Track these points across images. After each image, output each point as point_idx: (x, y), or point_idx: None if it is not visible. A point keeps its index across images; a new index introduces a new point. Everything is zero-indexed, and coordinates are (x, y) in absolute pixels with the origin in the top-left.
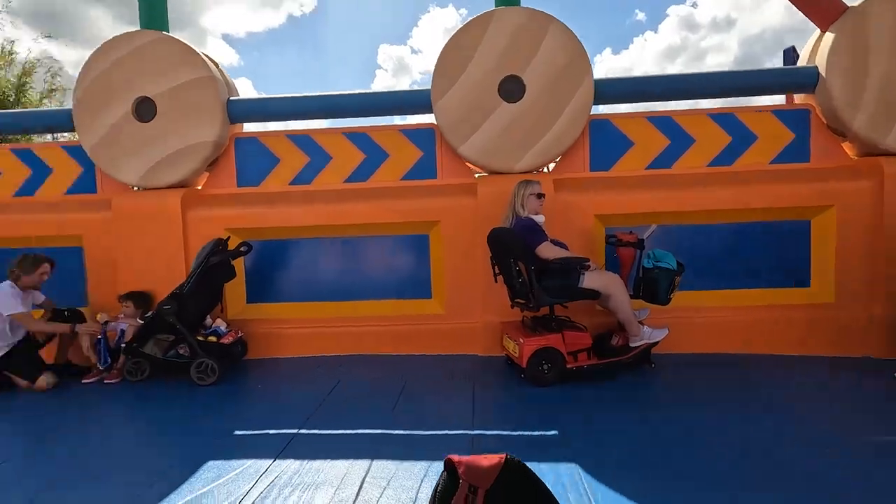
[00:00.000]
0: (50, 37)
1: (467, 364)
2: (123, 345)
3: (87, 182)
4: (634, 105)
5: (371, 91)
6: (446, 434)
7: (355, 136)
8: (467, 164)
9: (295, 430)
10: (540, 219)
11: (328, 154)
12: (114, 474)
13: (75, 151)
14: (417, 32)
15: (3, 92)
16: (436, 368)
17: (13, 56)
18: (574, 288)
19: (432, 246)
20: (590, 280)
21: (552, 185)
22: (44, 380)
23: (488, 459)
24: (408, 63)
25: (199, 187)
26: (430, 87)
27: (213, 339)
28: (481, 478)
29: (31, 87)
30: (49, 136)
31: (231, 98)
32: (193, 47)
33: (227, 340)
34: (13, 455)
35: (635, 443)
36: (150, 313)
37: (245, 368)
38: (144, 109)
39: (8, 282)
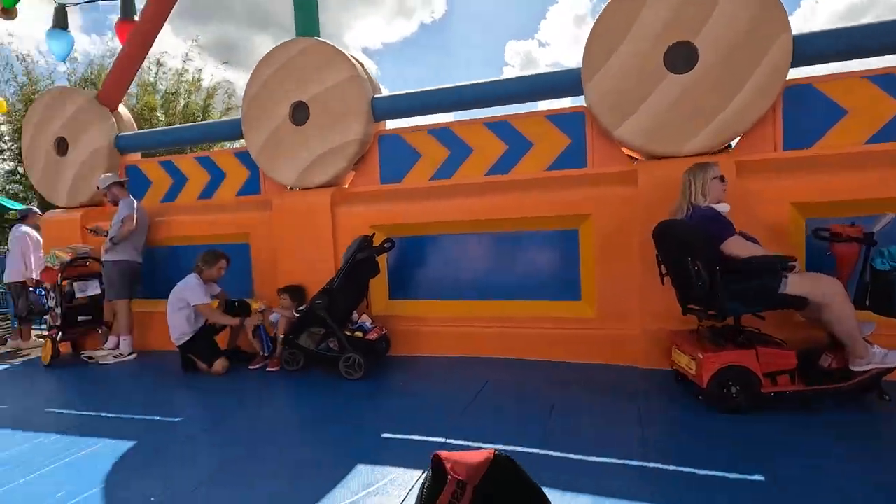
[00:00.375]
0: (227, 63)
1: (625, 377)
2: (281, 336)
3: (253, 184)
4: (843, 64)
5: (515, 76)
6: (612, 463)
7: (497, 126)
8: (624, 149)
9: (442, 440)
10: (724, 208)
11: (468, 146)
12: (269, 463)
13: (244, 157)
14: (545, 25)
15: (193, 113)
16: (589, 379)
17: (200, 83)
18: (774, 294)
19: (582, 242)
20: (798, 284)
21: (733, 168)
22: (219, 364)
23: (476, 456)
24: (535, 57)
25: (346, 185)
26: (579, 66)
27: (359, 334)
28: (469, 474)
29: (213, 108)
30: (227, 145)
31: (375, 96)
32: (341, 49)
33: (372, 336)
34: (201, 422)
35: None
36: (303, 307)
37: (388, 365)
38: (299, 114)
39: (194, 275)
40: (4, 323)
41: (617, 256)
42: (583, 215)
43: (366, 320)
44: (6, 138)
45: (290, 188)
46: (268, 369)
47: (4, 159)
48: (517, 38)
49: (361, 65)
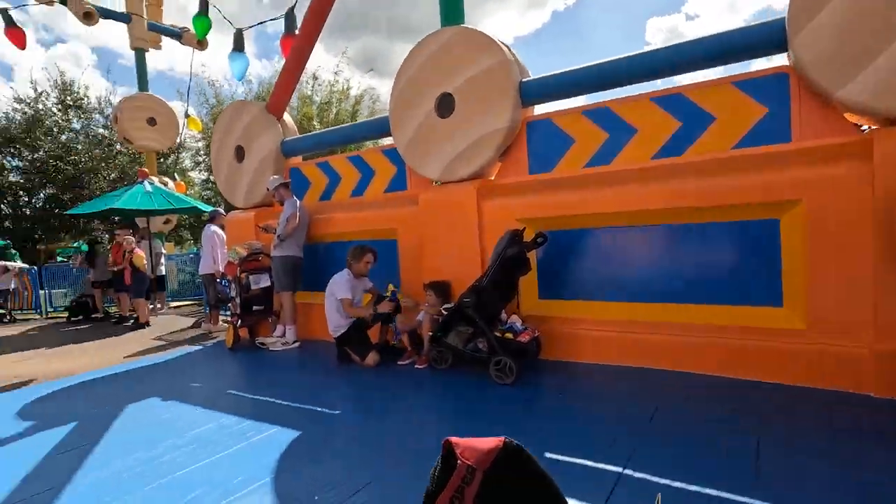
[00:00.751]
0: (372, 70)
1: (854, 409)
2: (428, 333)
3: (400, 180)
4: None
5: (694, 38)
6: None
7: (667, 100)
8: (847, 115)
9: (619, 469)
10: None
11: (631, 126)
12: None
13: (391, 153)
14: None
15: (343, 119)
16: (802, 409)
17: (348, 91)
18: None
19: (784, 234)
20: None
21: None
22: (371, 358)
23: (487, 442)
24: (682, 32)
25: (493, 177)
26: (778, 18)
27: (509, 335)
28: (479, 459)
29: (360, 113)
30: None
31: (524, 79)
32: (488, 34)
33: (524, 339)
34: (358, 416)
35: None
36: (451, 304)
37: (539, 370)
38: (445, 106)
39: (345, 270)
40: (199, 308)
41: (839, 253)
42: (787, 202)
43: (516, 320)
44: (202, 153)
45: (436, 182)
46: (416, 366)
47: (201, 170)
48: (660, 14)
49: (509, 48)
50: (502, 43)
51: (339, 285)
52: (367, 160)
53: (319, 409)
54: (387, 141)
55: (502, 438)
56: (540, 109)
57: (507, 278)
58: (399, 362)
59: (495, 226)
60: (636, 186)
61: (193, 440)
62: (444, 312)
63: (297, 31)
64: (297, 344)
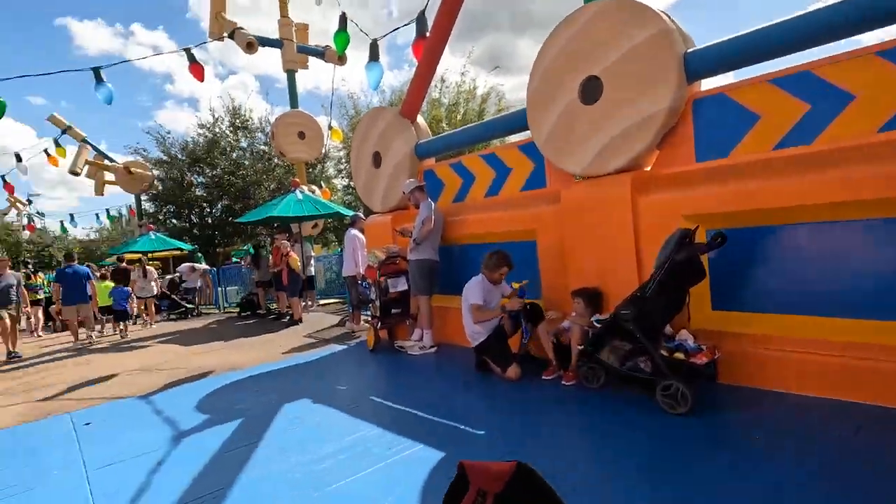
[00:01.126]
0: (498, 67)
1: None
2: (577, 347)
3: (538, 177)
4: None
5: None
6: None
7: None
8: None
9: None
10: None
11: (844, 92)
12: None
13: (528, 149)
14: None
15: (471, 119)
16: None
17: (475, 91)
18: None
19: None
20: None
21: None
22: (513, 370)
23: (499, 465)
24: None
25: (649, 168)
26: None
27: (680, 355)
28: (491, 482)
29: (486, 111)
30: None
31: (689, 50)
32: (642, 1)
33: (699, 360)
34: (504, 440)
35: None
36: (605, 317)
37: (716, 398)
38: (590, 91)
39: (480, 274)
40: (343, 306)
41: None
42: None
43: (686, 337)
44: (343, 161)
45: (580, 178)
46: (563, 382)
47: (343, 177)
48: None
49: (668, 16)
50: (661, 11)
51: (472, 290)
52: (501, 158)
53: (462, 427)
54: (512, 139)
55: (515, 462)
56: (706, 84)
57: (676, 287)
58: (544, 376)
59: (655, 225)
60: (855, 170)
61: (342, 450)
62: (596, 324)
63: (428, 34)
64: (434, 349)
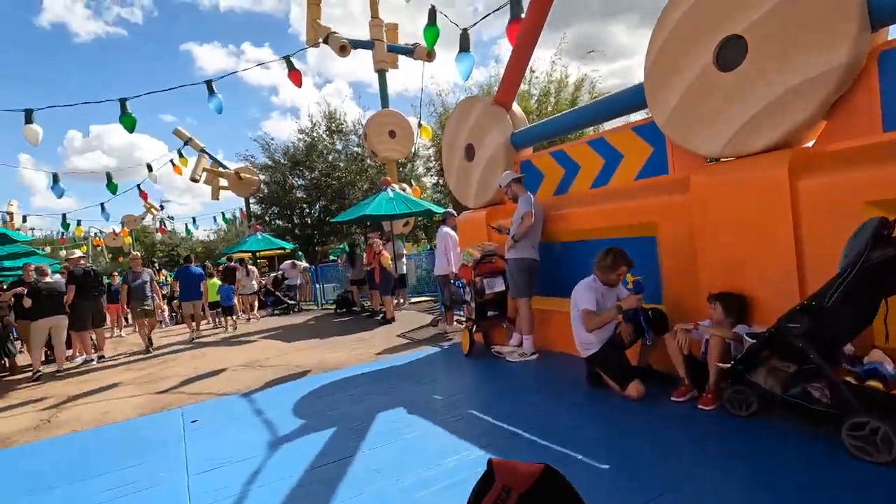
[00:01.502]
0: (593, 52)
1: None
2: (717, 363)
3: (657, 163)
4: None
5: None
6: None
7: None
8: None
9: None
10: None
11: None
12: None
13: (645, 130)
14: None
15: (563, 108)
16: None
17: (567, 79)
18: None
19: None
20: None
21: None
22: (635, 388)
23: (528, 466)
24: None
25: (811, 144)
26: None
27: (875, 383)
28: (516, 480)
29: (579, 100)
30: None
31: None
32: None
33: None
34: (636, 482)
35: None
36: (760, 330)
37: None
38: (729, 54)
39: (592, 276)
40: (434, 304)
41: None
42: None
43: (880, 360)
44: (432, 159)
45: (712, 160)
46: (699, 406)
47: (431, 175)
48: None
49: None
50: None
51: (583, 294)
52: (612, 143)
53: (579, 457)
54: (606, 127)
55: (544, 465)
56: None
57: (869, 295)
58: (673, 397)
59: (823, 215)
60: None
61: (440, 476)
62: (747, 338)
63: (522, 16)
64: (534, 356)
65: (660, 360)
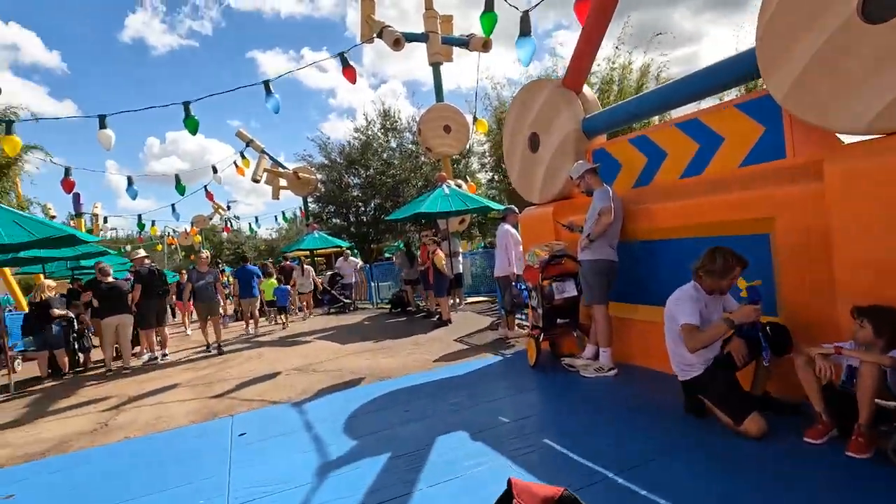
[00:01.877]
0: (660, 34)
1: None
2: (869, 397)
3: (770, 145)
4: None
5: None
6: None
7: None
8: None
9: None
10: None
11: None
12: None
13: (753, 107)
14: None
15: (628, 96)
16: None
17: (631, 66)
18: None
19: None
20: None
21: None
22: (755, 424)
23: (546, 489)
24: None
25: None
26: None
27: None
28: (533, 501)
29: (645, 87)
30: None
31: None
32: None
33: None
34: None
35: None
36: None
37: None
38: (880, 4)
39: (692, 283)
40: (492, 304)
41: None
42: None
43: None
44: (487, 154)
45: (845, 141)
46: (847, 453)
47: (486, 171)
48: None
49: None
50: None
51: (682, 306)
52: (708, 124)
53: None
54: (699, 107)
55: (562, 489)
56: None
57: None
58: (807, 438)
59: None
60: None
61: None
62: None
63: None
64: (613, 371)
65: (779, 387)
